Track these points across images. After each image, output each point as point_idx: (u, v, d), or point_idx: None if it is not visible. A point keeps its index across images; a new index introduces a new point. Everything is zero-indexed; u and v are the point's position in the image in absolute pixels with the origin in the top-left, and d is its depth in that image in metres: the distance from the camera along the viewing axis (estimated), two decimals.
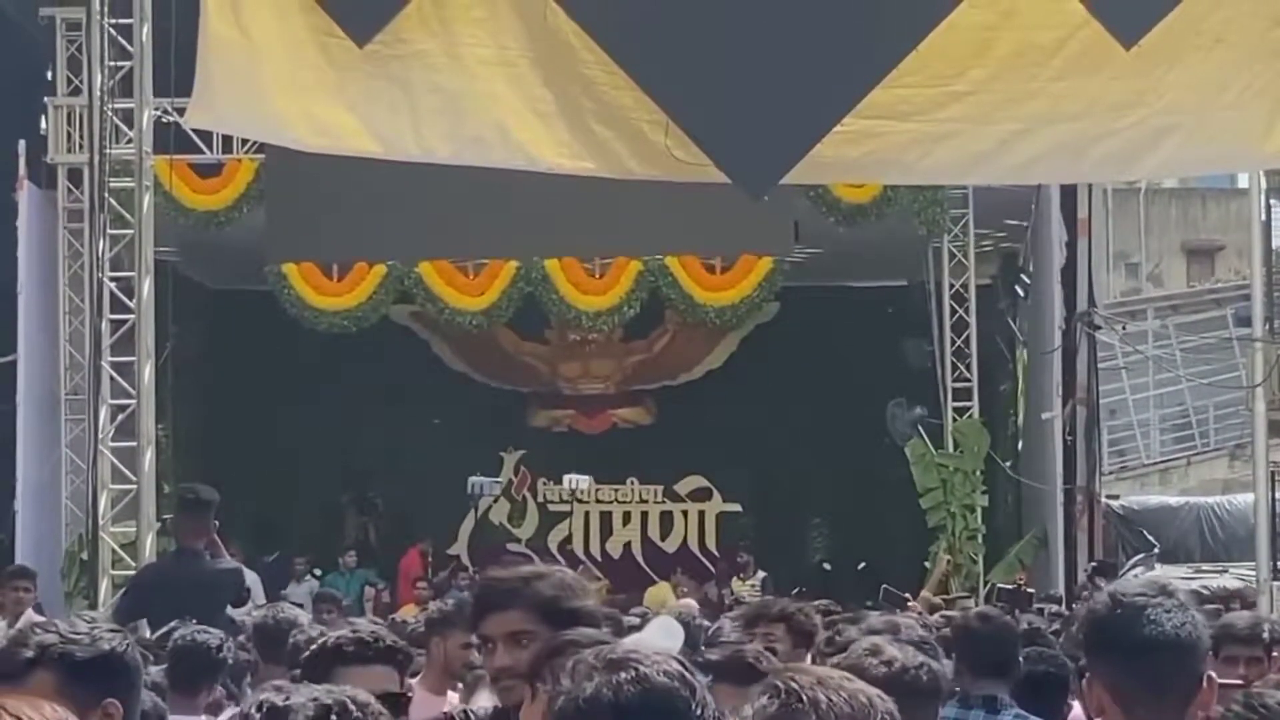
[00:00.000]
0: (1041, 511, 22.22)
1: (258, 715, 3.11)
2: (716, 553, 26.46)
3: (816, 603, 9.84)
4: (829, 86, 8.23)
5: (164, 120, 15.78)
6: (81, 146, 18.67)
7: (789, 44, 8.20)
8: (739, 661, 5.69)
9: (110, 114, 16.16)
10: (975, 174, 10.88)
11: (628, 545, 26.74)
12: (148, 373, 15.23)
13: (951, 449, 22.24)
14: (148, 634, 8.82)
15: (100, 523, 15.58)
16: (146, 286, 15.29)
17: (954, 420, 22.37)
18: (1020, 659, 7.03)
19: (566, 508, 26.57)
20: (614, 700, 2.77)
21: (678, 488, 26.70)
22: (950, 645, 7.21)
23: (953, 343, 22.54)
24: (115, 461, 15.55)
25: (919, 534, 22.38)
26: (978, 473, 22.21)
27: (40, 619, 5.19)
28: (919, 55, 8.09)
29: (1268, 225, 19.29)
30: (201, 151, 18.87)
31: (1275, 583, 17.63)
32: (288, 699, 3.13)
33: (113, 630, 3.66)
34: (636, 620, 9.84)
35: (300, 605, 10.57)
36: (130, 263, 15.84)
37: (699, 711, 2.81)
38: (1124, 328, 28.36)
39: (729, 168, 8.31)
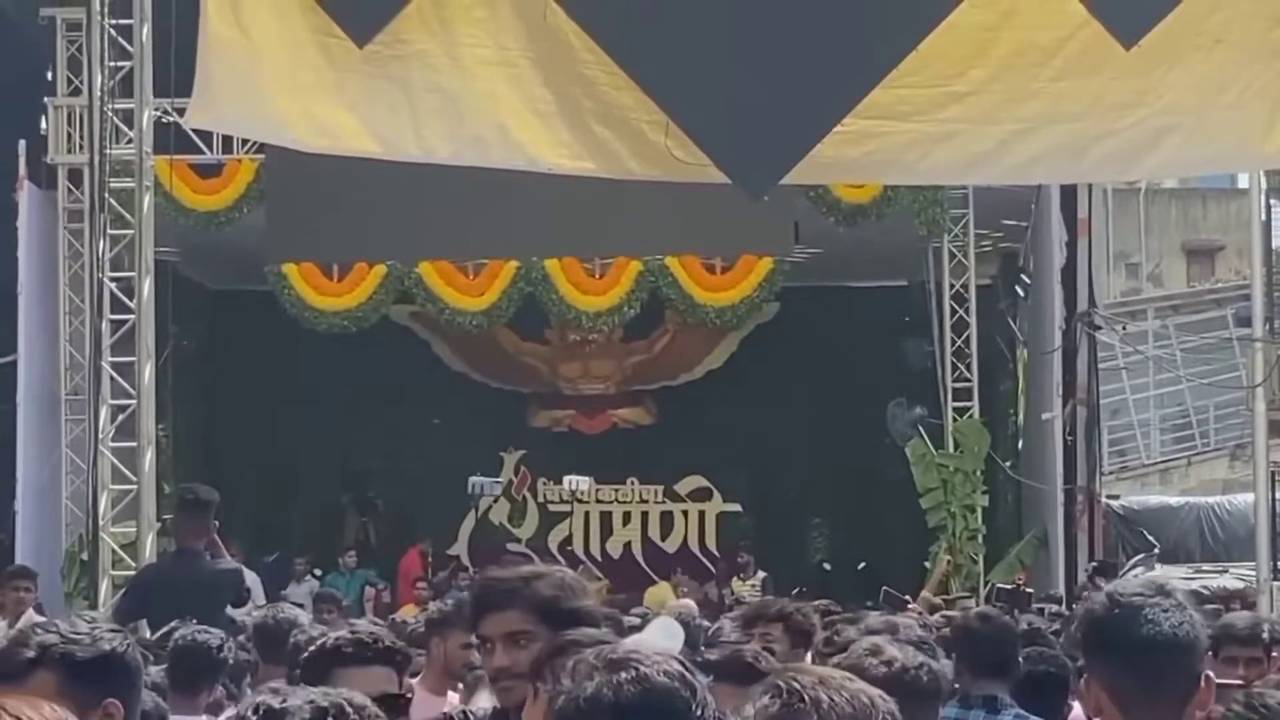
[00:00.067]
0: (1042, 512, 22.22)
1: (254, 718, 3.11)
2: (717, 553, 26.46)
3: (816, 603, 9.84)
4: (829, 86, 8.23)
5: (164, 120, 15.78)
6: (82, 147, 18.67)
7: (789, 44, 8.20)
8: (739, 661, 5.69)
9: (110, 114, 16.16)
10: (975, 174, 10.88)
11: (628, 545, 26.74)
12: (148, 373, 15.23)
13: (952, 449, 22.24)
14: (148, 634, 8.82)
15: (100, 523, 15.58)
16: (147, 287, 15.29)
17: (954, 420, 22.38)
18: (1020, 659, 7.03)
19: (567, 508, 26.57)
20: (614, 700, 2.78)
21: (678, 488, 26.70)
22: (950, 645, 7.22)
23: (953, 343, 22.55)
24: (115, 461, 15.55)
25: (919, 534, 22.38)
26: (978, 473, 22.21)
27: (41, 619, 5.19)
28: (919, 55, 8.10)
29: (1268, 225, 19.29)
30: (201, 152, 18.88)
31: (1275, 583, 17.63)
32: (284, 701, 3.12)
33: (113, 630, 3.67)
34: (637, 621, 9.84)
35: (300, 605, 10.57)
36: (130, 263, 15.84)
37: (699, 712, 2.82)
38: (1124, 328, 28.39)
39: (729, 168, 8.31)
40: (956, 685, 6.52)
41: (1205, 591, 18.38)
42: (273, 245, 20.96)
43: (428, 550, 24.75)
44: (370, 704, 3.24)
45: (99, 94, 15.76)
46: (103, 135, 15.82)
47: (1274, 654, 6.47)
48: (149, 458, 15.10)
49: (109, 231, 15.97)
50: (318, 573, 23.59)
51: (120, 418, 15.65)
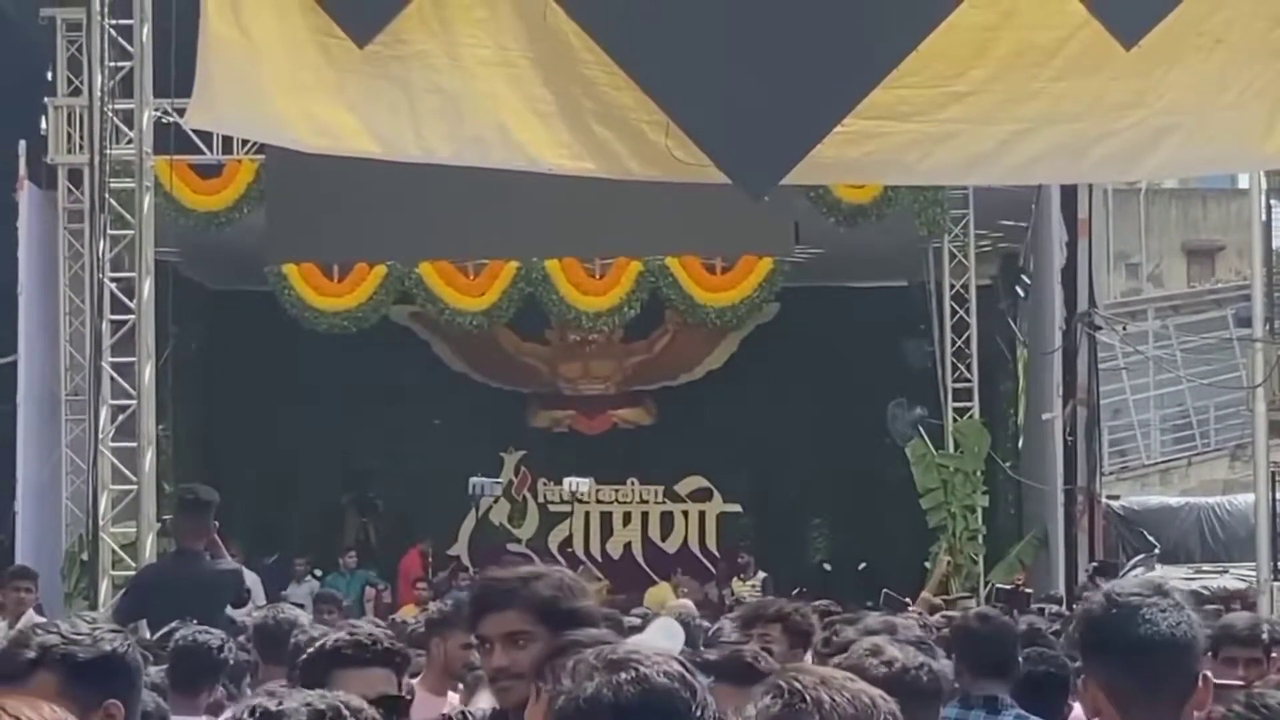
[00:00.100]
0: (1042, 512, 22.22)
1: None
2: (717, 553, 26.45)
3: (816, 603, 9.84)
4: (829, 87, 8.24)
5: (164, 121, 15.78)
6: (82, 147, 18.67)
7: (789, 44, 8.20)
8: (738, 662, 5.69)
9: (110, 114, 16.16)
10: (975, 174, 10.88)
11: (628, 546, 26.73)
12: (148, 373, 15.22)
13: (952, 449, 22.24)
14: (148, 635, 8.82)
15: (100, 523, 15.57)
16: (147, 287, 15.29)
17: (954, 421, 22.37)
18: (1020, 659, 7.03)
19: (567, 508, 26.56)
20: (614, 701, 2.78)
21: (678, 488, 26.69)
22: (950, 646, 7.22)
23: (953, 343, 22.55)
24: (115, 462, 15.54)
25: (919, 534, 22.38)
26: (978, 473, 22.20)
27: (41, 620, 5.20)
28: (919, 56, 8.10)
29: (1268, 225, 19.30)
30: (202, 152, 18.88)
31: (1275, 583, 17.63)
32: (280, 704, 3.12)
33: (114, 631, 3.67)
34: (637, 621, 9.85)
35: (301, 606, 10.57)
36: (130, 263, 15.83)
37: (699, 712, 2.82)
38: (1124, 328, 28.39)
39: (729, 168, 8.32)
40: (957, 685, 6.52)
41: (1205, 592, 18.39)
42: (273, 245, 20.96)
43: (428, 551, 24.75)
44: (367, 706, 3.23)
45: (99, 94, 15.76)
46: (103, 135, 15.82)
47: (1273, 654, 6.47)
48: (149, 458, 15.10)
49: (109, 232, 15.97)
50: (318, 573, 23.58)
51: (120, 418, 15.65)
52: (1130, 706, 3.44)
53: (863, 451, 24.95)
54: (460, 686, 7.69)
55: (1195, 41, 8.13)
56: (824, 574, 24.71)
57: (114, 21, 16.04)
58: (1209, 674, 3.52)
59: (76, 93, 19.58)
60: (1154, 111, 8.22)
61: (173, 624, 8.27)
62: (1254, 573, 17.74)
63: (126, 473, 15.40)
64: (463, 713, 4.79)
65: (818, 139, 8.19)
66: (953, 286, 22.52)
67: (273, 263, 21.34)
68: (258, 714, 3.09)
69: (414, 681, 6.51)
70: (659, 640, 4.04)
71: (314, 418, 24.84)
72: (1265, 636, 6.52)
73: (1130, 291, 38.57)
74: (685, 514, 26.84)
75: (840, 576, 23.73)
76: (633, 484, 26.64)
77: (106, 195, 15.86)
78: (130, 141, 16.21)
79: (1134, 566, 20.60)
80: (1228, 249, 39.74)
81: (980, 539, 22.15)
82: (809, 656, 7.11)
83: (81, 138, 18.86)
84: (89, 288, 17.42)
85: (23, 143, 20.20)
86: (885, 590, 17.38)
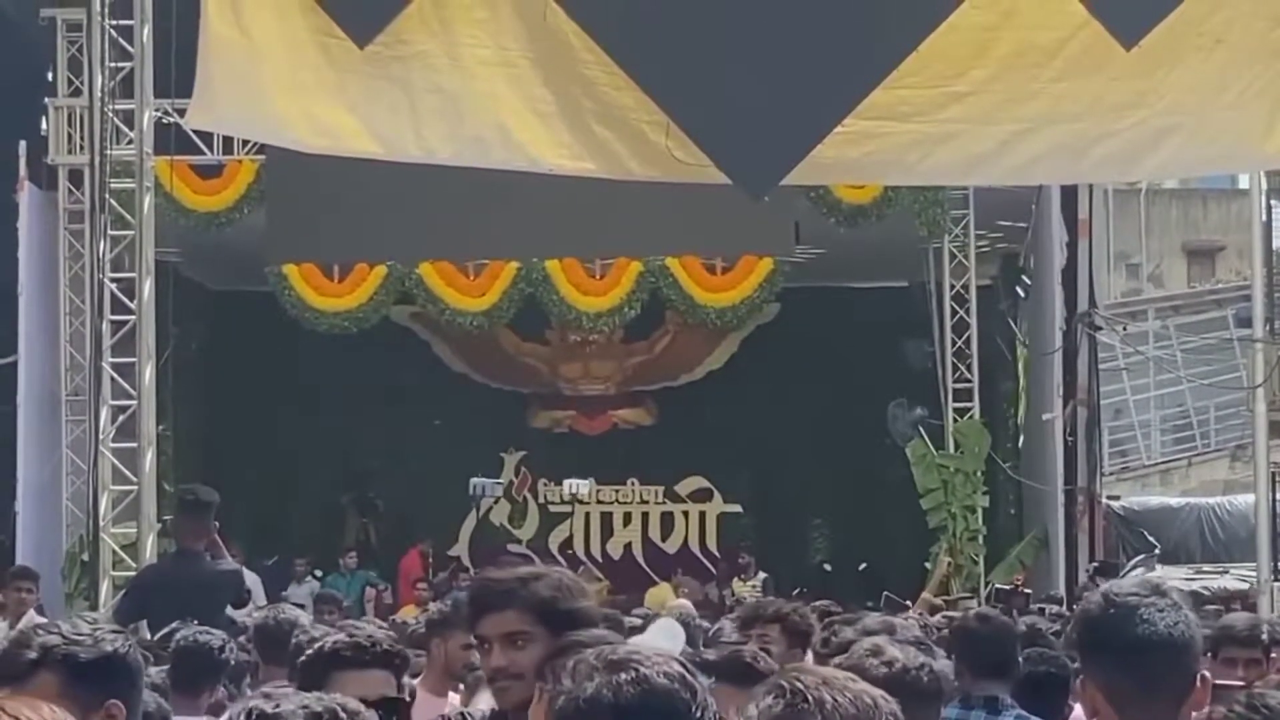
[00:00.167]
0: (1042, 512, 22.22)
1: None
2: (717, 553, 26.45)
3: (816, 604, 9.85)
4: (830, 87, 8.24)
5: (164, 121, 15.78)
6: (82, 147, 18.67)
7: (789, 45, 8.20)
8: (738, 662, 5.70)
9: (111, 115, 16.17)
10: (976, 175, 10.88)
11: (628, 546, 26.73)
12: (148, 373, 15.23)
13: (952, 450, 22.23)
14: (148, 635, 8.83)
15: (101, 524, 15.57)
16: (147, 287, 15.29)
17: (955, 421, 22.37)
18: (1021, 659, 7.04)
19: (567, 509, 26.56)
20: (614, 701, 2.78)
21: (678, 488, 26.69)
22: (950, 646, 7.22)
23: (953, 343, 22.54)
24: (116, 462, 15.54)
25: (920, 535, 22.38)
26: (978, 473, 22.20)
27: (42, 620, 5.20)
28: (919, 56, 8.10)
29: (1268, 226, 19.30)
30: (202, 152, 18.89)
31: (1276, 583, 17.64)
32: (277, 706, 3.12)
33: (115, 631, 3.67)
34: (638, 622, 9.85)
35: (301, 606, 10.57)
36: (131, 263, 15.83)
37: (699, 713, 2.82)
38: (1125, 328, 28.39)
39: (729, 168, 8.32)
40: (957, 686, 6.52)
41: (1206, 592, 18.39)
42: (273, 246, 20.96)
43: (428, 551, 24.75)
44: (365, 709, 3.23)
45: (99, 94, 15.77)
46: (103, 136, 15.83)
47: (1273, 655, 6.47)
48: (149, 458, 15.10)
49: (109, 232, 15.97)
50: (318, 573, 23.58)
51: (121, 418, 15.65)
52: (1127, 706, 3.43)
53: (863, 452, 24.96)
54: (461, 687, 7.69)
55: (1195, 42, 8.13)
56: (824, 574, 24.71)
57: (114, 22, 16.04)
58: (1207, 674, 3.52)
59: (77, 93, 19.58)
60: (1154, 112, 8.22)
61: (174, 624, 8.28)
62: (1254, 573, 17.74)
63: (127, 473, 15.40)
64: (462, 713, 4.79)
65: (818, 139, 8.19)
66: (953, 287, 22.52)
67: (273, 263, 21.34)
68: (254, 716, 3.09)
69: (414, 682, 6.51)
70: (659, 641, 4.05)
71: (314, 418, 24.85)
72: (1265, 637, 6.53)
73: (1130, 292, 38.57)
74: (685, 514, 26.84)
75: (841, 577, 23.72)
76: (633, 484, 26.64)
77: (107, 195, 15.87)
78: (130, 142, 16.21)
79: (1134, 567, 20.59)
80: (1228, 249, 39.74)
81: (980, 539, 22.14)
82: (808, 657, 7.12)
83: (82, 138, 18.87)
84: (89, 288, 17.42)
85: (23, 143, 20.20)
86: (886, 593, 17.38)
